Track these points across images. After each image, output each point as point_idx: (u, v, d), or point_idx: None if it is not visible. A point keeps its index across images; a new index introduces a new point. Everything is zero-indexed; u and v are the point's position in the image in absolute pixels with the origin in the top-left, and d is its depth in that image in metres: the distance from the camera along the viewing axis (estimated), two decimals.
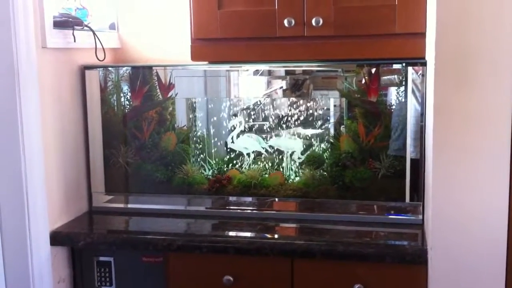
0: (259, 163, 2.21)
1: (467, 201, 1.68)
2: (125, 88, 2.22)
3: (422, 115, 1.96)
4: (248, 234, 2.02)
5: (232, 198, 2.19)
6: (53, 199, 2.04)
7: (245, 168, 2.22)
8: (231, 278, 1.91)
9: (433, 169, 1.70)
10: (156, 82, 2.21)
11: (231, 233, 2.04)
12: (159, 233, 1.99)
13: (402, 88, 2.00)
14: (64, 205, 2.12)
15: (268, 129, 2.23)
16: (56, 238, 2.01)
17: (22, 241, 1.90)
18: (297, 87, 2.17)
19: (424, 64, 1.93)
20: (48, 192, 1.99)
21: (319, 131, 2.18)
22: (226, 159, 2.26)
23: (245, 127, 2.23)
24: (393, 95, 2.03)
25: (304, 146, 2.19)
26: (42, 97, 1.95)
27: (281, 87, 2.18)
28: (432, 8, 1.70)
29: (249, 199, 2.17)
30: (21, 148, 1.86)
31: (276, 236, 2.00)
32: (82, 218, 2.20)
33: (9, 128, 1.85)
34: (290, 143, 2.20)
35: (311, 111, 2.18)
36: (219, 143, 2.27)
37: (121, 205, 2.26)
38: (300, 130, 2.21)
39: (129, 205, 2.26)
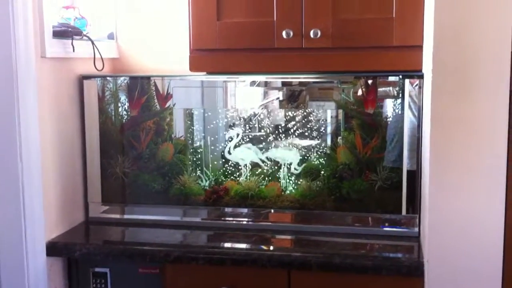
0: (256, 174, 2.21)
1: (464, 214, 1.69)
2: (123, 98, 2.22)
3: (418, 127, 1.97)
4: (244, 245, 2.01)
5: (228, 209, 2.19)
6: (50, 209, 2.04)
7: (242, 179, 2.22)
8: None
9: (430, 181, 1.71)
10: (154, 92, 2.22)
11: (228, 245, 2.04)
12: (156, 244, 1.98)
13: (399, 100, 2.01)
14: (61, 215, 2.11)
15: (265, 140, 2.24)
16: (52, 249, 2.00)
17: (18, 252, 1.89)
18: (293, 98, 2.18)
19: (421, 76, 1.94)
20: (45, 202, 1.98)
21: (316, 142, 2.19)
22: (223, 170, 2.26)
23: (242, 138, 2.23)
24: (390, 107, 2.04)
25: (301, 157, 2.19)
26: (41, 106, 1.95)
27: (278, 98, 2.19)
28: (429, 21, 1.71)
29: (245, 210, 2.17)
30: (19, 157, 1.85)
31: (273, 247, 2.00)
32: (79, 229, 2.19)
33: (7, 137, 1.84)
34: (287, 154, 2.20)
35: (308, 122, 2.19)
36: (216, 154, 2.27)
37: (118, 216, 2.26)
38: (297, 141, 2.21)
39: (126, 216, 2.25)
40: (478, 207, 1.68)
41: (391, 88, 2.04)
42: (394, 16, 1.93)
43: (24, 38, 1.83)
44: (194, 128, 2.27)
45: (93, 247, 2.01)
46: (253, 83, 2.17)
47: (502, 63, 1.62)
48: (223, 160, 2.26)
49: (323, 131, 2.18)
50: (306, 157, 2.19)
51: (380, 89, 2.04)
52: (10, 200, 1.87)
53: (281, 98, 2.19)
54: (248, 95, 2.21)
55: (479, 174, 1.67)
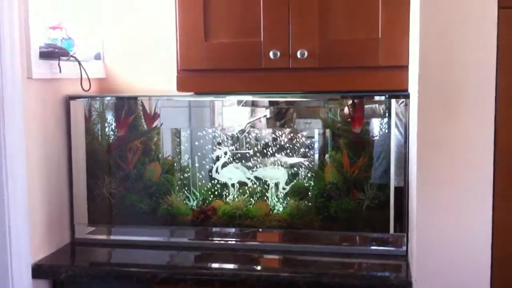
0: (244, 193, 2.21)
1: (451, 232, 1.69)
2: (110, 118, 2.21)
3: (405, 143, 1.99)
4: (233, 266, 2.00)
5: (216, 229, 2.18)
6: (36, 231, 2.01)
7: (229, 198, 2.21)
8: None
9: (417, 200, 1.72)
10: (141, 112, 2.21)
11: (216, 265, 2.03)
12: (143, 265, 1.97)
13: (386, 119, 2.03)
14: (47, 236, 2.09)
15: (252, 159, 2.24)
16: (38, 271, 1.97)
17: (4, 274, 1.86)
18: (280, 116, 2.19)
19: (407, 96, 1.96)
20: (30, 223, 1.95)
21: (304, 161, 2.19)
22: (210, 189, 2.25)
23: (229, 158, 2.23)
24: (376, 126, 2.06)
25: (289, 176, 2.19)
26: (27, 127, 1.94)
27: (265, 116, 2.20)
28: (415, 42, 1.73)
29: (233, 230, 2.16)
30: (4, 178, 1.83)
31: (261, 268, 1.99)
32: (65, 250, 2.17)
33: None
34: (275, 173, 2.20)
35: (295, 142, 2.20)
36: (203, 174, 2.27)
37: (104, 237, 2.23)
38: (285, 160, 2.22)
39: (112, 237, 2.23)
40: (466, 225, 1.68)
41: (377, 107, 2.05)
42: (380, 37, 1.96)
43: (10, 59, 1.82)
44: (182, 147, 2.27)
45: (79, 269, 1.98)
46: (239, 102, 2.17)
47: (487, 82, 1.64)
48: (211, 180, 2.25)
49: (311, 150, 2.19)
50: (293, 176, 2.20)
51: (367, 109, 2.05)
52: None
53: (268, 116, 2.20)
54: (236, 114, 2.21)
55: (465, 191, 1.68)
